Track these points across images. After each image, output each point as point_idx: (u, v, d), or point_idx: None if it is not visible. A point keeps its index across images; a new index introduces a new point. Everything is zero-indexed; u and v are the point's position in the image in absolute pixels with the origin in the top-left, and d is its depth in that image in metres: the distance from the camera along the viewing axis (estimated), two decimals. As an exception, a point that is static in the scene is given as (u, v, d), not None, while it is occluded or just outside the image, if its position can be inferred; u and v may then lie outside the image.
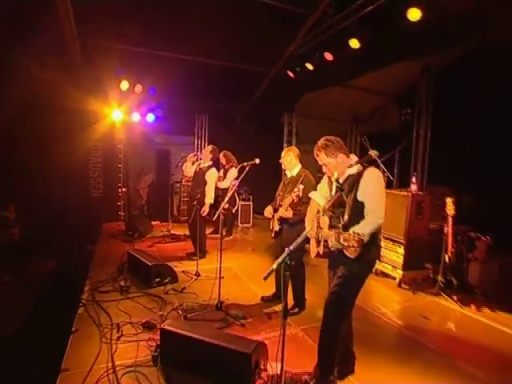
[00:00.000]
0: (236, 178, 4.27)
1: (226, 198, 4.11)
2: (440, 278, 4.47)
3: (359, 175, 2.45)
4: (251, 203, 8.48)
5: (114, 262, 5.10)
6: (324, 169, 2.61)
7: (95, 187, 8.21)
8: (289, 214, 3.54)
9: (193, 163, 5.71)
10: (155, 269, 4.37)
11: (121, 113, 7.75)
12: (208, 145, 5.99)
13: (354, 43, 5.26)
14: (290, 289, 3.81)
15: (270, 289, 4.11)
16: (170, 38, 6.29)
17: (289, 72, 6.85)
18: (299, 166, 3.76)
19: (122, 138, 8.35)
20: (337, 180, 2.60)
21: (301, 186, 3.33)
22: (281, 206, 3.61)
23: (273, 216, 3.77)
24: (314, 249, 2.79)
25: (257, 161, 3.91)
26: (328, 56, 5.89)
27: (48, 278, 4.58)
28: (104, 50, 6.22)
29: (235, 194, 7.39)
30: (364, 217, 2.42)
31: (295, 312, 3.78)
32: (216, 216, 4.03)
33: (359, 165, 2.48)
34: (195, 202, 5.17)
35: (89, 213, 7.39)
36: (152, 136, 8.83)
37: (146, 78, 7.20)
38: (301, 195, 3.33)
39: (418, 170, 6.22)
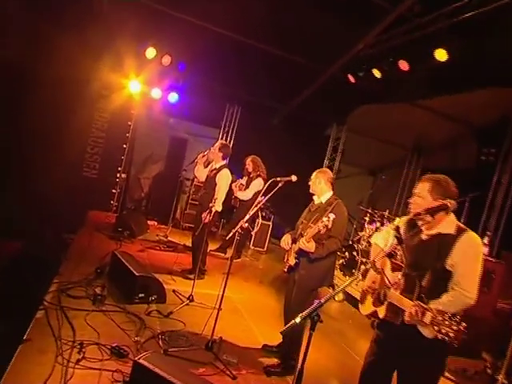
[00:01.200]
0: (263, 194, 4.23)
1: (247, 216, 4.02)
2: (502, 378, 4.16)
3: (453, 238, 2.31)
4: (271, 224, 8.35)
5: (93, 261, 5.04)
6: (412, 202, 2.46)
7: (89, 165, 8.22)
8: (310, 246, 3.53)
9: (205, 165, 5.72)
10: (141, 281, 4.27)
11: (139, 84, 7.79)
12: (233, 144, 5.87)
13: (441, 55, 5.06)
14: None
15: (275, 336, 3.95)
16: (216, 7, 6.25)
17: (349, 75, 6.76)
18: (330, 193, 3.81)
19: (135, 114, 8.39)
20: (410, 224, 2.49)
21: (331, 216, 3.34)
22: (302, 236, 3.62)
23: (290, 248, 3.80)
24: (368, 307, 2.63)
25: (293, 178, 3.95)
26: (403, 65, 5.73)
27: (8, 262, 4.54)
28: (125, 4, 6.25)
29: (258, 212, 7.31)
30: (447, 286, 2.29)
31: (277, 371, 3.68)
32: (231, 235, 3.94)
33: (455, 224, 2.36)
34: (207, 212, 5.13)
35: (75, 194, 7.33)
36: (170, 119, 8.86)
37: (177, 49, 7.24)
38: (330, 226, 3.34)
39: (492, 227, 5.94)
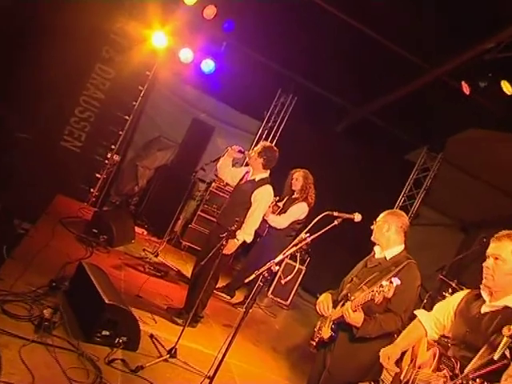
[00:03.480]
0: (309, 230, 4.06)
1: (281, 256, 3.88)
2: None
3: None
4: (304, 269, 8.28)
5: (49, 269, 4.99)
6: (488, 267, 2.63)
7: (73, 134, 8.29)
8: (357, 318, 3.49)
9: (236, 162, 5.76)
10: (111, 313, 4.17)
11: (164, 37, 7.89)
12: (275, 146, 5.82)
13: None
14: None
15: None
16: None
17: (464, 84, 6.66)
18: (400, 247, 3.79)
19: (150, 78, 8.45)
20: None
21: (395, 281, 3.23)
22: (349, 300, 3.62)
23: (328, 314, 3.81)
24: None
25: (357, 217, 3.87)
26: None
27: None
28: None
29: (297, 254, 7.36)
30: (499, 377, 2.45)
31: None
32: (252, 278, 3.89)
33: None
34: (225, 235, 5.09)
35: (44, 169, 7.37)
36: (197, 96, 8.95)
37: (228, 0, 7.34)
38: (390, 296, 3.24)
39: None
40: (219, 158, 6.01)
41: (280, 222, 6.86)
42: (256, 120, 9.50)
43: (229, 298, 7.08)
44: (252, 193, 5.41)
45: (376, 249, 3.86)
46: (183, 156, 9.02)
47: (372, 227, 3.84)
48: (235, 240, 5.29)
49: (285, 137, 9.39)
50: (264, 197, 5.44)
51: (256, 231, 7.36)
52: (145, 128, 8.91)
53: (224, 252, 5.15)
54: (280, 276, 8.10)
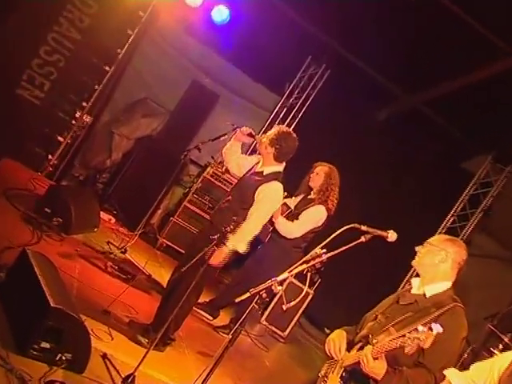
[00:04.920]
0: (324, 246, 4.10)
1: (286, 273, 3.95)
2: None
3: None
4: (312, 293, 8.28)
5: None
6: None
7: (33, 81, 8.25)
8: (378, 368, 3.47)
9: (250, 150, 5.70)
10: (55, 319, 4.14)
11: None
12: (294, 133, 5.85)
13: None
14: None
15: None
16: None
17: None
18: (447, 284, 3.80)
19: (144, 21, 8.42)
20: None
21: (436, 329, 3.17)
22: (369, 343, 3.62)
23: (339, 358, 3.84)
24: None
25: (391, 236, 3.90)
26: None
27: None
28: None
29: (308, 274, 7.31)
30: None
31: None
32: (245, 297, 3.95)
33: None
34: (216, 237, 5.14)
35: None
36: (201, 52, 9.01)
37: None
38: (426, 346, 3.19)
39: None
40: (220, 136, 6.04)
41: (292, 229, 6.86)
42: (274, 93, 9.58)
43: (211, 318, 7.07)
44: (256, 188, 5.41)
45: (414, 281, 3.86)
46: (174, 128, 9.12)
47: (418, 249, 3.82)
48: (224, 247, 5.29)
49: (308, 120, 9.43)
50: (268, 196, 5.42)
51: (256, 237, 7.42)
52: (129, 85, 8.95)
53: (210, 261, 5.15)
54: (281, 299, 8.10)
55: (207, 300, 7.20)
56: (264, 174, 5.49)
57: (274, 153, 5.44)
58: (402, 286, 7.80)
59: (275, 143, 5.41)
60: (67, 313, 4.23)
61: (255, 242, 7.40)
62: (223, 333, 7.03)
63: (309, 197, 7.03)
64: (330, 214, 6.88)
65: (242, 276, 7.23)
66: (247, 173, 5.68)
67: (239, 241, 5.31)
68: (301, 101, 9.46)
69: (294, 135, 5.57)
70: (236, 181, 6.10)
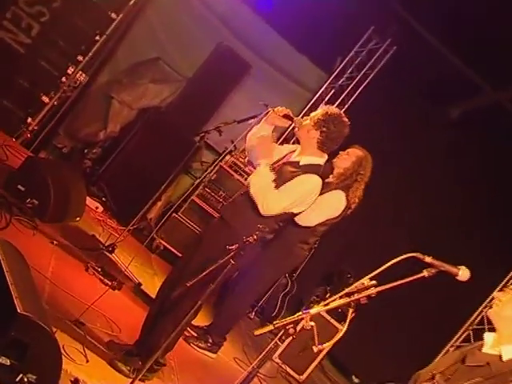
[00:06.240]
0: (372, 282, 4.10)
1: (321, 306, 3.83)
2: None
3: None
4: (344, 330, 8.25)
5: None
6: None
7: (19, 22, 8.34)
8: None
9: (281, 138, 5.82)
10: (21, 329, 4.18)
11: None
12: (346, 117, 5.85)
13: None
14: None
15: None
16: None
17: None
18: None
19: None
20: None
21: None
22: None
23: None
24: None
25: (463, 274, 3.78)
26: None
27: None
28: None
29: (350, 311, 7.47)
30: None
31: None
32: (263, 332, 4.06)
33: None
34: (235, 247, 5.05)
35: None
36: (233, 9, 9.14)
37: None
38: None
39: None
40: (249, 118, 6.15)
41: (310, 217, 6.75)
42: (320, 70, 9.64)
43: (213, 356, 7.04)
44: (294, 178, 5.36)
45: (487, 337, 3.86)
46: (190, 101, 9.08)
47: (497, 295, 3.88)
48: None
49: (361, 108, 9.43)
50: (304, 184, 5.38)
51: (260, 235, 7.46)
52: (138, 40, 9.00)
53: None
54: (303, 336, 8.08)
55: (206, 325, 7.21)
56: (300, 164, 5.46)
57: (319, 138, 5.38)
58: (457, 338, 7.61)
59: (322, 125, 5.35)
60: (37, 323, 4.23)
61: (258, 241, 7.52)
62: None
63: (326, 180, 6.67)
64: (347, 211, 6.98)
65: (245, 287, 7.25)
66: (276, 162, 5.61)
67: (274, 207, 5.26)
68: (354, 82, 9.48)
69: (346, 119, 5.49)
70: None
